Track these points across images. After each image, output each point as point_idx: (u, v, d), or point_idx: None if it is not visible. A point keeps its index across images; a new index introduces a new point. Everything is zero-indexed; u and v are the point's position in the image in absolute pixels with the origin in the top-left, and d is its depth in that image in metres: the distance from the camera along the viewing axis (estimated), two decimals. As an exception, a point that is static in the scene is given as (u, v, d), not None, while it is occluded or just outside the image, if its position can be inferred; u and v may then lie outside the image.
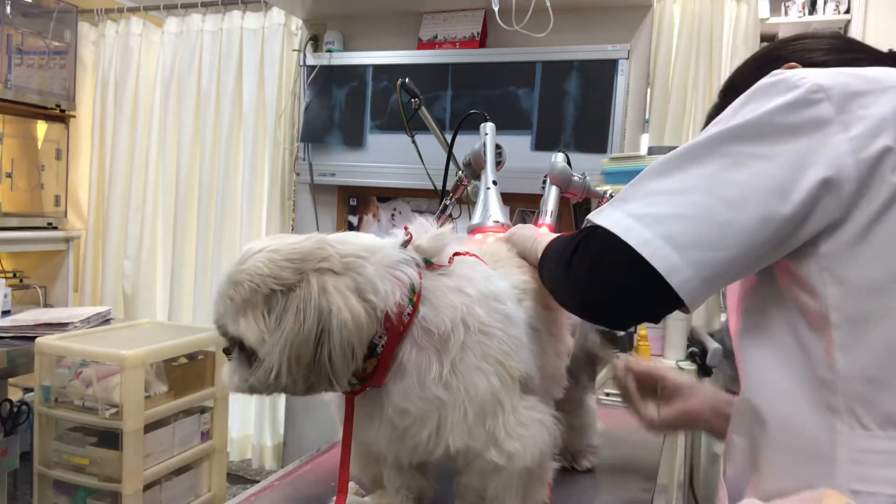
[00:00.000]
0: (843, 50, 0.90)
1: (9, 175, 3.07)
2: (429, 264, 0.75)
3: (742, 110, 0.66)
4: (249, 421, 3.06)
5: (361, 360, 0.69)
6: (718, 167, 0.64)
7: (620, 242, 0.64)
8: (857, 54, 0.89)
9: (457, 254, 0.78)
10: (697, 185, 0.65)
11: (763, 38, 2.41)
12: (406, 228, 0.77)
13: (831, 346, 0.63)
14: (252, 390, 0.71)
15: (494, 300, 0.76)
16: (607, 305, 0.70)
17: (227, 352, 0.72)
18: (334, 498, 0.92)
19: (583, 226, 0.73)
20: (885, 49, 0.90)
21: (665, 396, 1.06)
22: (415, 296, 0.71)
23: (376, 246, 0.73)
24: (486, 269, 0.80)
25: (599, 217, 0.68)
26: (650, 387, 1.07)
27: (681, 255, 0.63)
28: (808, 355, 0.65)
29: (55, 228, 3.14)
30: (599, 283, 0.69)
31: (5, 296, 2.23)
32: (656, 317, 0.71)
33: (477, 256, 0.82)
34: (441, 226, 0.84)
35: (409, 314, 0.71)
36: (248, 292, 0.67)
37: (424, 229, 0.78)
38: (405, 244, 0.75)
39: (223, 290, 0.69)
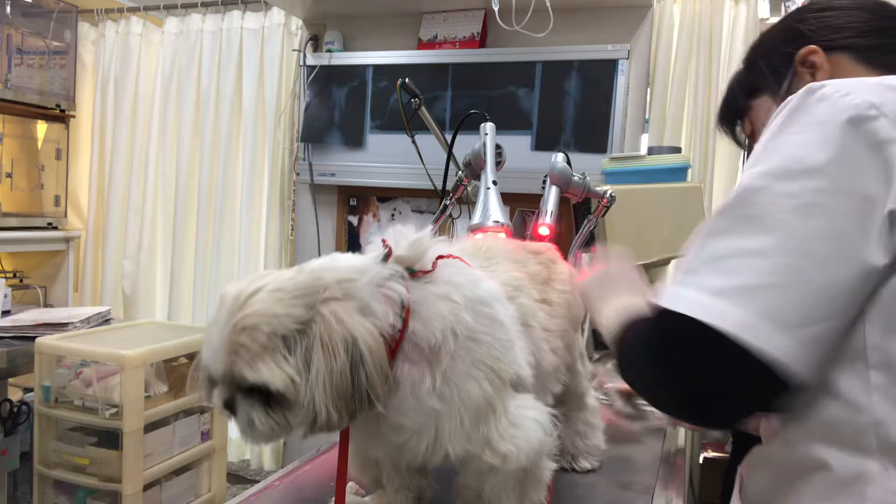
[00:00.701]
0: (877, 30, 0.82)
1: (9, 175, 3.07)
2: (412, 273, 0.74)
3: (784, 136, 0.61)
4: (249, 421, 3.06)
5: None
6: (790, 215, 0.57)
7: (709, 330, 0.55)
8: (888, 36, 0.82)
9: (440, 257, 0.76)
10: (776, 241, 0.56)
11: (763, 38, 2.41)
12: (384, 241, 0.75)
13: (868, 387, 0.59)
14: (275, 436, 0.67)
15: (480, 304, 0.75)
16: (709, 407, 0.60)
17: (230, 405, 0.67)
18: (334, 498, 0.92)
19: (651, 309, 0.63)
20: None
21: None
22: (404, 311, 0.71)
23: (362, 266, 0.71)
24: (470, 271, 0.79)
25: (672, 302, 0.59)
26: None
27: (789, 334, 0.54)
28: (842, 396, 0.60)
29: (55, 228, 3.14)
30: (703, 388, 0.58)
31: (5, 296, 2.23)
32: (777, 407, 0.62)
33: (460, 258, 0.80)
34: (440, 225, 0.84)
35: (399, 330, 0.70)
36: (266, 336, 0.63)
37: (402, 236, 0.76)
38: (386, 257, 0.73)
39: (230, 339, 0.64)
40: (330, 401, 0.63)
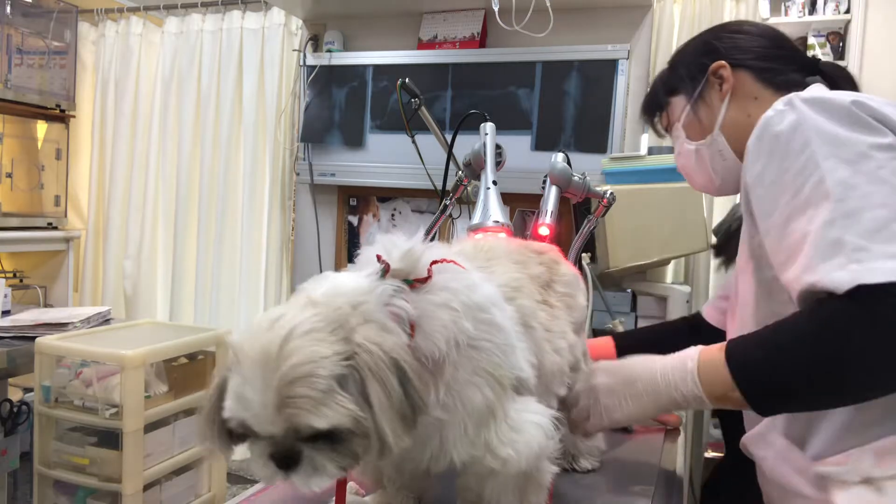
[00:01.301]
0: (771, 57, 1.00)
1: (9, 175, 3.07)
2: (410, 284, 0.73)
3: (822, 142, 0.73)
4: (249, 421, 3.06)
5: None
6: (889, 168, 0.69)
7: None
8: (781, 62, 0.99)
9: (434, 263, 0.75)
10: None
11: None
12: (378, 257, 0.73)
13: None
14: (344, 472, 0.67)
15: (478, 310, 0.74)
16: None
17: (286, 457, 0.64)
18: (334, 498, 0.92)
19: (815, 304, 0.69)
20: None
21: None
22: (409, 326, 0.70)
23: (367, 287, 0.70)
24: (465, 275, 0.78)
25: (866, 275, 0.64)
26: None
27: None
28: None
29: (55, 228, 3.14)
30: None
31: (5, 296, 2.23)
32: None
33: (453, 262, 0.79)
34: (438, 226, 0.84)
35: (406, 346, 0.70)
36: (325, 380, 0.61)
37: (393, 247, 0.74)
38: (384, 273, 0.72)
39: (281, 394, 0.61)
40: (397, 424, 0.63)
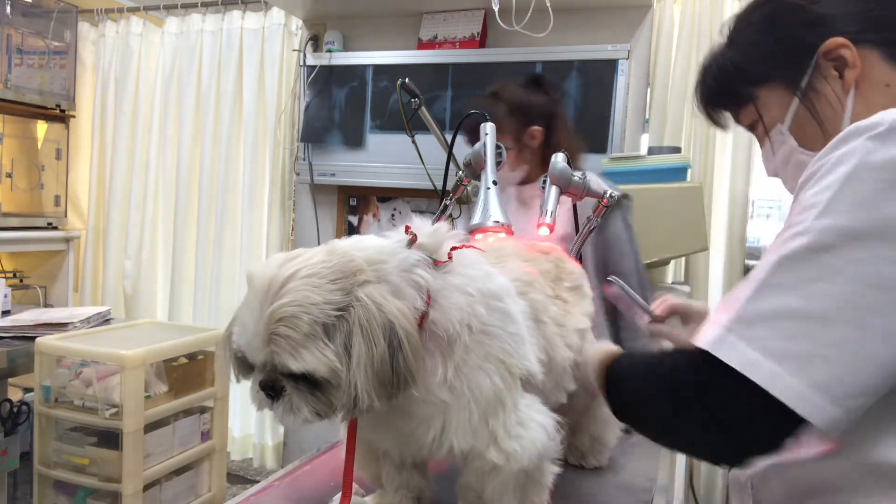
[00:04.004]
0: (893, 22, 0.72)
1: (9, 175, 3.07)
2: (433, 261, 0.75)
3: (847, 190, 0.56)
4: (251, 420, 3.06)
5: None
6: (855, 283, 0.54)
7: (758, 390, 0.56)
8: None
9: (454, 248, 0.77)
10: (839, 310, 0.55)
11: (763, 38, 2.40)
12: (407, 228, 0.76)
13: None
14: (319, 419, 0.68)
15: (493, 298, 0.75)
16: (734, 450, 0.62)
17: (270, 388, 0.67)
18: (334, 498, 0.92)
19: (692, 349, 0.62)
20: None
21: (686, 321, 1.09)
22: (426, 298, 0.71)
23: (391, 249, 0.71)
24: (483, 265, 0.80)
25: (720, 348, 0.59)
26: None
27: (838, 406, 0.54)
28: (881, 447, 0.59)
29: (55, 228, 3.14)
30: (731, 433, 0.60)
31: (5, 296, 2.23)
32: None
33: (475, 247, 0.81)
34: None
35: (420, 317, 0.70)
36: (308, 325, 0.63)
37: (422, 225, 0.77)
38: (410, 244, 0.74)
39: (268, 328, 0.64)
40: (371, 385, 0.64)
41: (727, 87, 0.84)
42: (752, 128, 0.85)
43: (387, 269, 0.68)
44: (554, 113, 1.72)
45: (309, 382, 0.65)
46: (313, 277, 0.64)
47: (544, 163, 1.73)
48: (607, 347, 0.84)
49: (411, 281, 0.70)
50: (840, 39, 0.72)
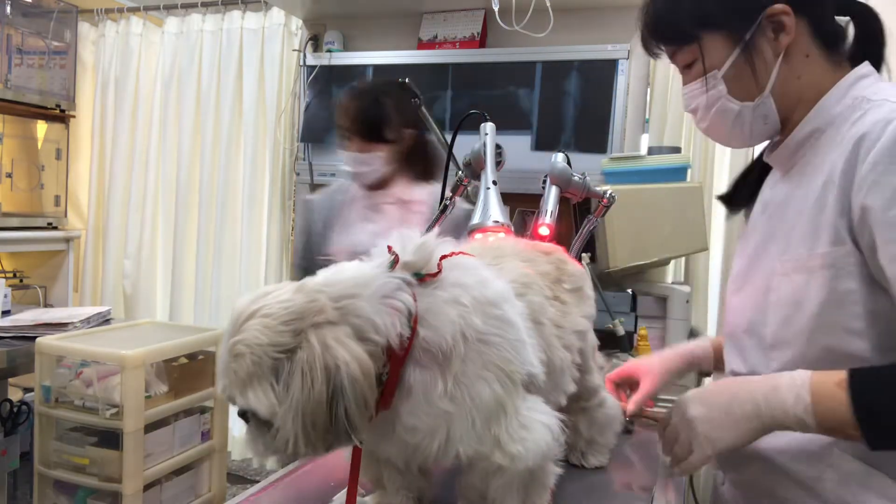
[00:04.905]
0: (825, 1, 0.84)
1: (9, 175, 3.07)
2: (420, 278, 0.74)
3: None
4: (249, 421, 3.06)
5: (374, 404, 0.68)
6: None
7: None
8: (829, 5, 0.85)
9: (444, 257, 0.76)
10: None
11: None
12: (389, 248, 0.75)
13: None
14: (271, 456, 0.69)
15: (490, 305, 0.75)
16: None
17: (242, 415, 0.69)
18: (334, 498, 0.92)
19: None
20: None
21: (633, 386, 1.15)
22: (412, 320, 0.71)
23: (367, 278, 0.71)
24: (478, 271, 0.78)
25: None
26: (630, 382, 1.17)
27: None
28: None
29: (55, 228, 3.14)
30: None
31: (5, 296, 2.23)
32: None
33: (466, 254, 0.80)
34: (437, 224, 0.84)
35: (408, 339, 0.70)
36: (251, 365, 0.64)
37: (408, 240, 0.75)
38: (393, 265, 0.73)
39: (226, 363, 0.66)
40: (300, 429, 0.64)
41: (675, 23, 0.89)
42: (686, 67, 0.90)
43: (356, 305, 0.68)
44: (415, 122, 1.72)
45: (257, 419, 0.66)
46: (268, 318, 0.65)
47: (402, 170, 1.77)
48: (810, 375, 0.77)
49: (391, 307, 0.69)
50: (783, 6, 0.82)
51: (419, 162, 1.82)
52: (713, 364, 1.15)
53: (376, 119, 1.71)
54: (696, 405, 0.83)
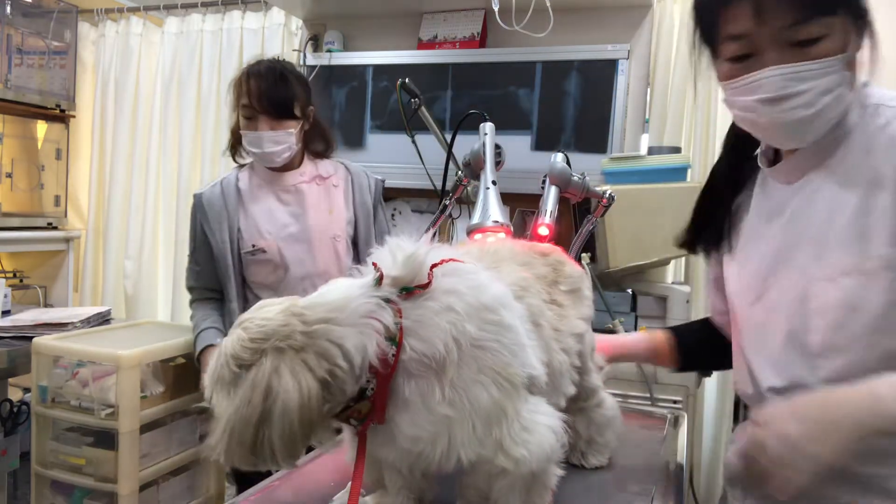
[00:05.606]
0: None
1: (9, 175, 3.07)
2: (409, 292, 0.73)
3: None
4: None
5: (308, 439, 0.70)
6: None
7: None
8: None
9: (434, 266, 0.75)
10: None
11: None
12: (374, 265, 0.75)
13: None
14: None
15: (486, 311, 0.74)
16: None
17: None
18: (335, 498, 0.92)
19: None
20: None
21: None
22: (396, 335, 0.71)
23: (345, 300, 0.71)
24: (473, 276, 0.78)
25: None
26: None
27: None
28: None
29: (55, 228, 3.14)
30: None
31: (5, 296, 2.23)
32: None
33: (458, 260, 0.79)
34: (439, 226, 0.84)
35: (394, 354, 0.70)
36: (220, 368, 0.69)
37: (398, 250, 0.75)
38: (378, 281, 0.73)
39: (214, 361, 0.72)
40: (226, 441, 0.67)
41: None
42: (801, 43, 0.79)
43: (327, 329, 0.69)
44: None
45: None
46: (245, 332, 0.69)
47: (307, 148, 1.78)
48: (843, 393, 0.76)
49: (368, 328, 0.70)
50: None
51: (320, 139, 1.80)
52: (645, 357, 1.22)
53: (287, 96, 1.67)
54: (794, 423, 0.76)
